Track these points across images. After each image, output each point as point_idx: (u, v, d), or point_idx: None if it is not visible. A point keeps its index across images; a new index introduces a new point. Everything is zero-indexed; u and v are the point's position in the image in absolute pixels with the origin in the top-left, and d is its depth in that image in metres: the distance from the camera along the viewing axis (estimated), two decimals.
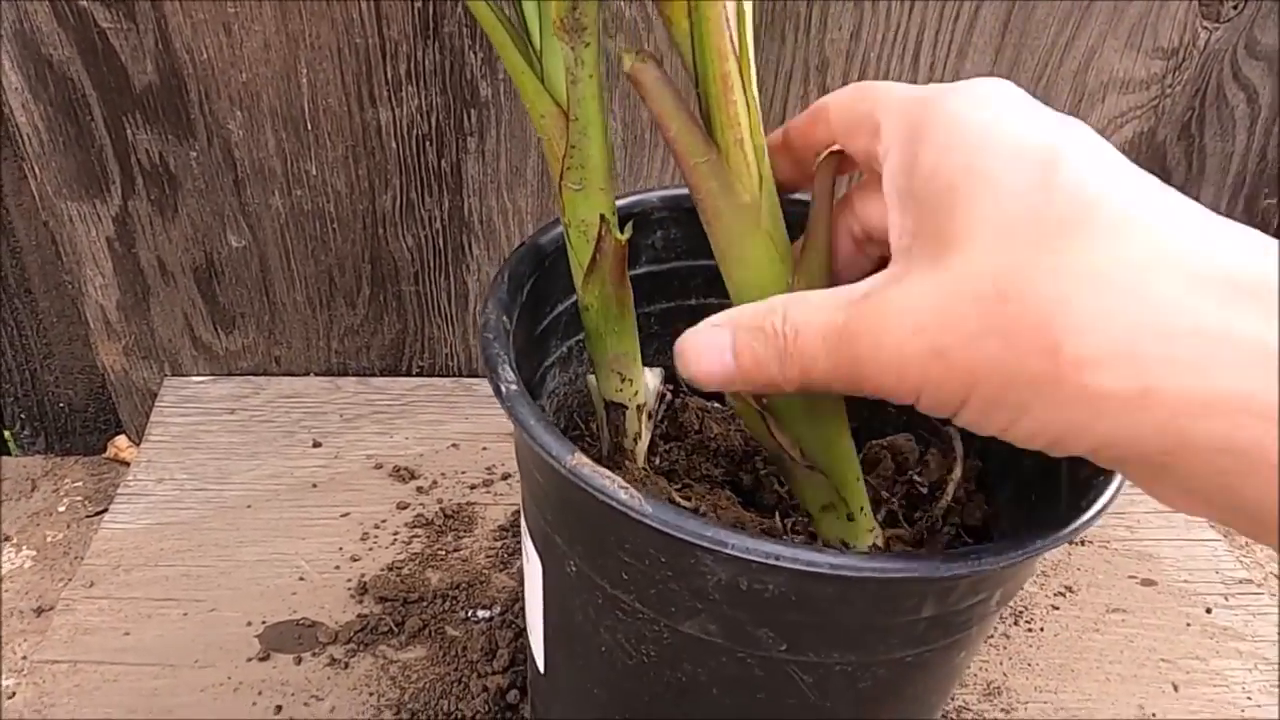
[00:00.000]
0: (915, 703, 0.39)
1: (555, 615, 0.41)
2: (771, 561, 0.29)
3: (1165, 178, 0.78)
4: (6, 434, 0.86)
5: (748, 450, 0.50)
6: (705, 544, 0.29)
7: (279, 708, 0.56)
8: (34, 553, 0.75)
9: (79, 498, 0.81)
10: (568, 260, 0.44)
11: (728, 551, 0.29)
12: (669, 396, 0.52)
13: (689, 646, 0.35)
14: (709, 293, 0.52)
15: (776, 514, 0.48)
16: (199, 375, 0.81)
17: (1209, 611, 0.67)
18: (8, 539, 0.76)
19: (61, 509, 0.80)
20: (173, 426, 0.76)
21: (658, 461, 0.49)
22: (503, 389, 0.34)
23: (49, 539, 0.77)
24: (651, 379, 0.48)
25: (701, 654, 0.35)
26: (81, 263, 0.73)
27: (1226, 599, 0.68)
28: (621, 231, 0.43)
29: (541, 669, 0.45)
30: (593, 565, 0.35)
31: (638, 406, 0.46)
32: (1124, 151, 0.75)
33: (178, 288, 0.75)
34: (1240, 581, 0.70)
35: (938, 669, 0.37)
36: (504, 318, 0.38)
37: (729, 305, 0.56)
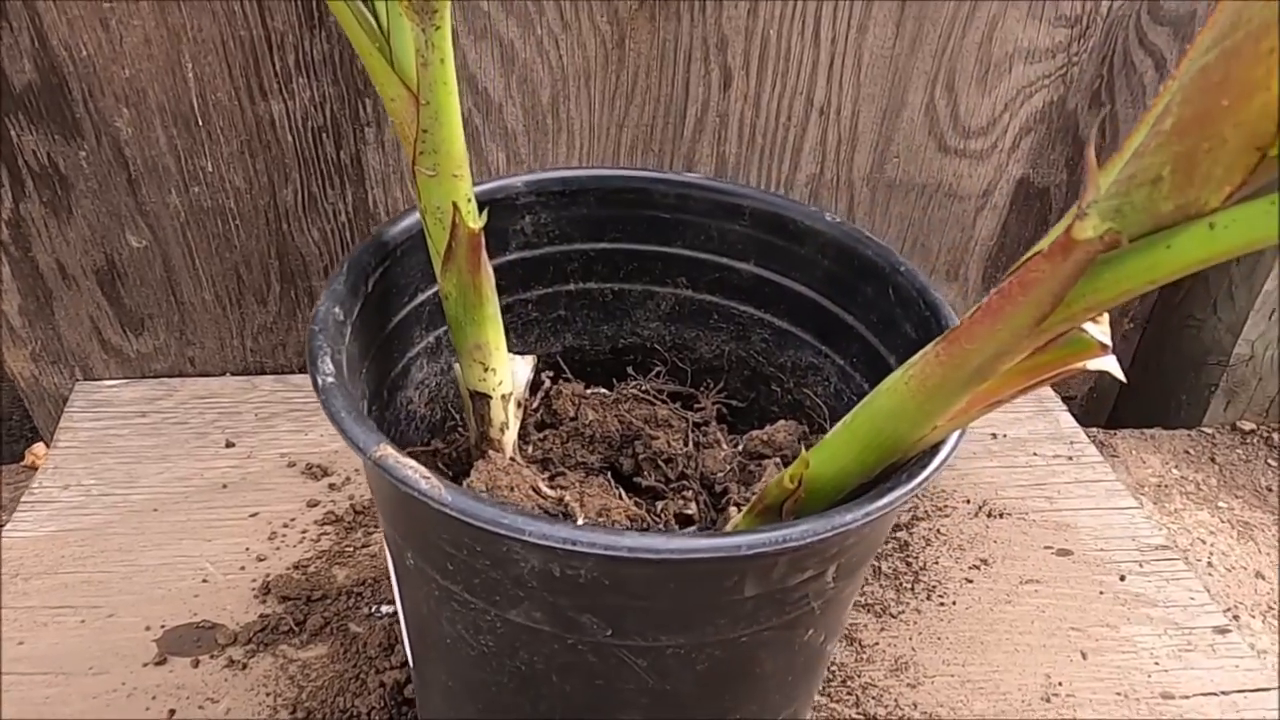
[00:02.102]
0: (770, 682, 0.38)
1: (409, 609, 0.40)
2: (569, 547, 0.28)
3: (1080, 147, 0.78)
4: None
5: (625, 435, 0.49)
6: (502, 531, 0.29)
7: (172, 711, 0.55)
8: None
9: None
10: (427, 248, 0.43)
11: (527, 539, 0.29)
12: (545, 383, 0.51)
13: (520, 635, 0.34)
14: (587, 277, 0.52)
15: (658, 498, 0.47)
16: (111, 379, 0.80)
17: (1123, 579, 0.67)
18: None
19: None
20: (82, 432, 0.75)
21: (530, 450, 0.48)
22: (319, 380, 0.34)
23: None
24: (522, 367, 0.47)
25: (533, 642, 0.34)
26: None
27: (1141, 566, 0.68)
28: (481, 217, 0.42)
29: (411, 662, 0.45)
30: (423, 557, 0.35)
31: (502, 396, 0.45)
32: (1036, 122, 0.75)
33: (80, 290, 0.74)
34: (1157, 548, 0.69)
35: (783, 648, 0.37)
36: (335, 310, 0.37)
37: (610, 289, 0.55)
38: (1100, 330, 0.28)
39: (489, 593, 0.33)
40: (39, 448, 0.84)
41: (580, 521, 0.41)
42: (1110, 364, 0.29)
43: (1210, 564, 0.76)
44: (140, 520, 0.67)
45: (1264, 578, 0.75)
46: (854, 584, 0.38)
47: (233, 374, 0.81)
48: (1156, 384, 0.98)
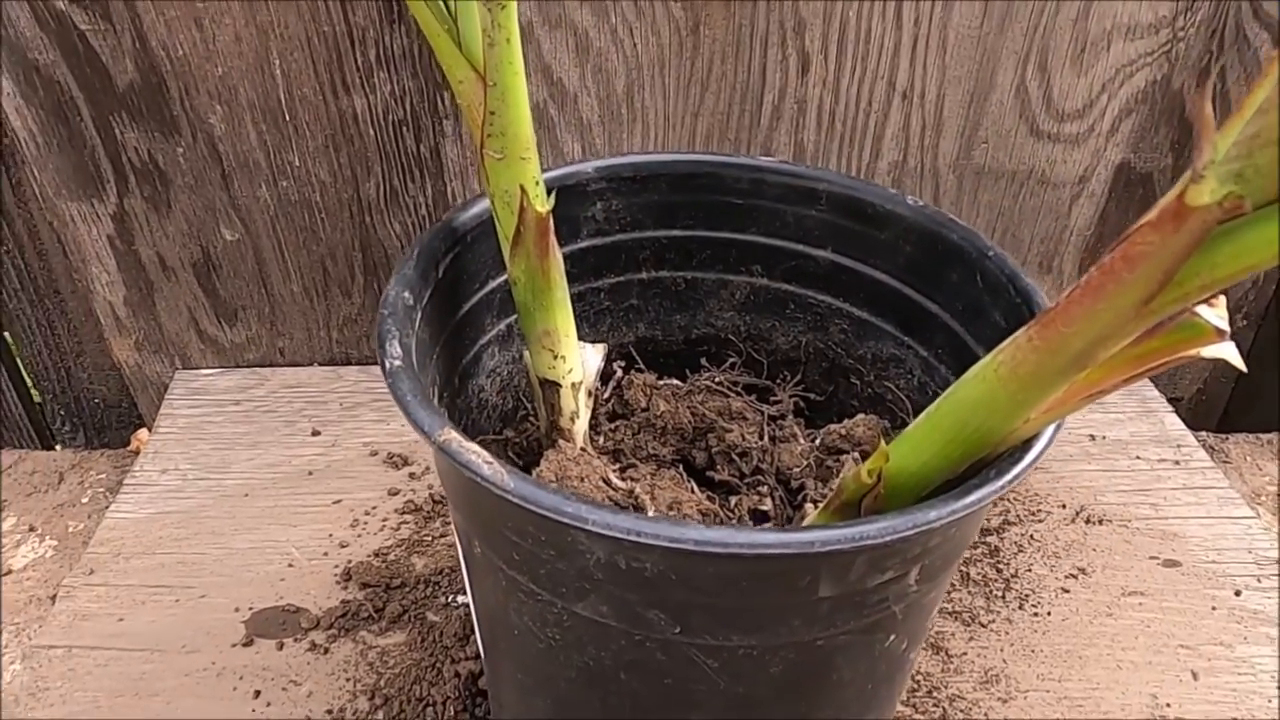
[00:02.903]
0: (849, 690, 0.36)
1: (478, 599, 0.40)
2: (633, 538, 0.27)
3: (1187, 129, 0.73)
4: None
5: (699, 428, 0.48)
6: (565, 519, 0.28)
7: (258, 692, 0.57)
8: (55, 543, 0.78)
9: (102, 489, 0.84)
10: (496, 234, 0.43)
11: (589, 528, 0.28)
12: (617, 373, 0.50)
13: (588, 629, 0.33)
14: (659, 265, 0.51)
15: (732, 493, 0.46)
16: (208, 368, 0.82)
17: (1238, 594, 0.62)
18: (32, 529, 0.79)
19: (85, 500, 0.83)
20: (180, 418, 0.78)
21: (601, 441, 0.47)
22: (387, 364, 0.33)
23: (70, 529, 0.79)
24: (592, 356, 0.46)
25: (601, 637, 0.33)
26: (87, 261, 0.75)
27: (1259, 580, 0.63)
28: (549, 200, 0.42)
29: (482, 653, 0.44)
30: (489, 545, 0.34)
31: (573, 384, 0.44)
32: (1137, 103, 0.71)
33: (179, 282, 0.77)
34: (1276, 561, 0.64)
35: (861, 654, 0.35)
36: (404, 294, 0.37)
37: (683, 277, 0.54)
38: (1216, 314, 0.26)
39: (555, 584, 0.32)
40: (142, 433, 0.88)
41: (651, 514, 0.40)
42: (1229, 351, 0.26)
43: None
44: (232, 505, 0.69)
45: None
46: (939, 588, 0.36)
47: (320, 364, 0.83)
48: (1274, 385, 0.91)
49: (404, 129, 0.70)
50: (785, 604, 0.31)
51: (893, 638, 0.35)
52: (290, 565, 0.65)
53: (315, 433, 0.76)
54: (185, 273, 0.76)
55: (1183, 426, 0.76)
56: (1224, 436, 0.87)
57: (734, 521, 0.44)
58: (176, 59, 0.66)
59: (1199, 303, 0.25)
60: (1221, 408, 0.95)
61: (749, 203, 0.50)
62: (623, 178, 0.47)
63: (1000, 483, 0.30)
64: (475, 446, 0.30)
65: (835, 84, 0.70)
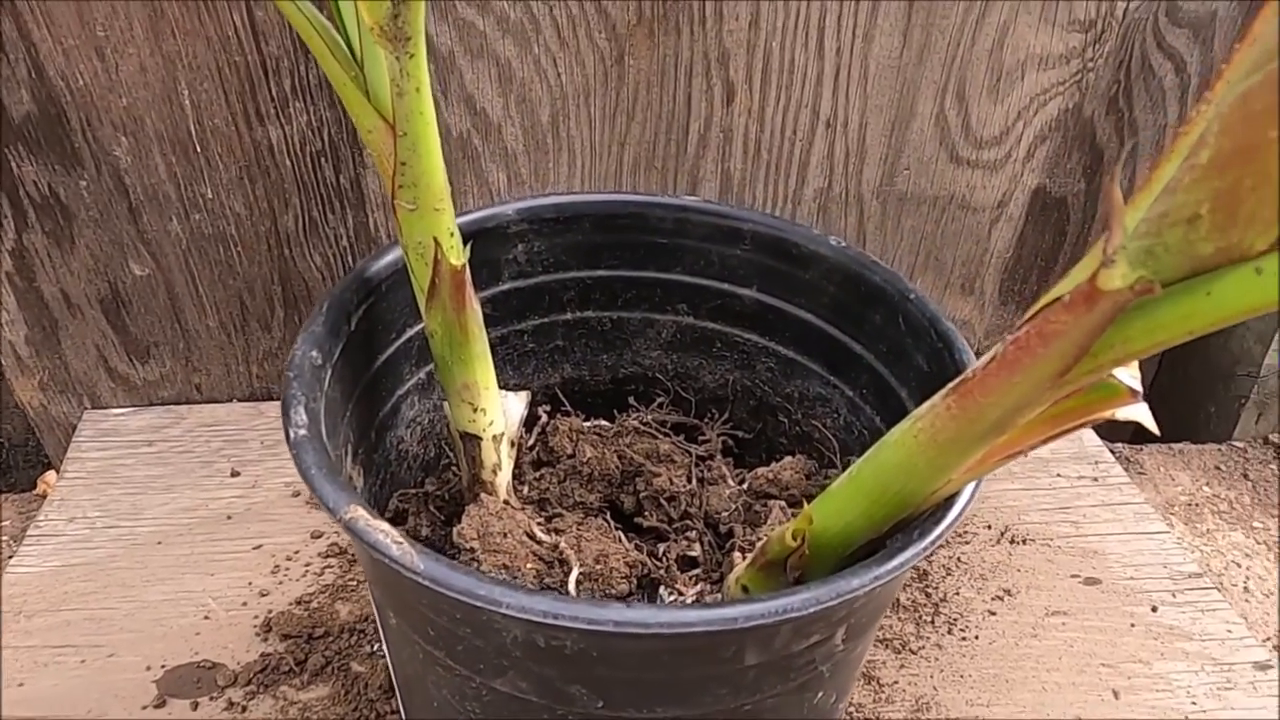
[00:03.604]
0: None
1: (396, 665, 0.39)
2: (550, 621, 0.26)
3: (1098, 155, 0.75)
4: None
5: (626, 471, 0.48)
6: (481, 604, 0.27)
7: None
8: None
9: (5, 537, 0.80)
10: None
11: (504, 611, 0.27)
12: (542, 418, 0.49)
13: (508, 704, 0.32)
14: (584, 305, 0.50)
15: (660, 540, 0.45)
16: (119, 407, 0.79)
17: (1155, 610, 0.64)
18: None
19: None
20: (89, 462, 0.74)
21: (526, 490, 0.46)
22: (292, 434, 0.32)
23: None
24: (515, 404, 0.45)
25: (521, 712, 0.32)
26: None
27: (1174, 595, 0.65)
28: (466, 249, 0.41)
29: (404, 717, 0.43)
30: (406, 620, 0.33)
31: (494, 437, 0.43)
32: (1051, 130, 0.72)
33: (86, 319, 0.74)
34: (1189, 576, 0.66)
35: (790, 712, 0.34)
36: (312, 353, 0.36)
37: (609, 317, 0.53)
38: (1130, 374, 0.26)
39: (472, 661, 0.31)
40: (50, 475, 0.84)
41: (575, 571, 0.39)
42: (1142, 413, 0.26)
43: (1247, 589, 0.73)
44: (144, 554, 0.66)
45: None
46: (865, 642, 0.36)
47: (239, 400, 0.80)
48: (1183, 397, 0.95)
49: (322, 160, 0.68)
50: (710, 675, 0.30)
51: (820, 694, 0.35)
52: (206, 617, 0.62)
53: (235, 473, 0.73)
54: (92, 309, 0.73)
55: (1100, 442, 0.78)
56: (1138, 448, 0.90)
57: (662, 570, 0.43)
58: (77, 89, 0.63)
59: (1114, 369, 0.25)
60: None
61: (674, 242, 0.50)
62: (544, 219, 0.47)
63: (923, 544, 0.30)
64: (383, 525, 0.29)
65: (760, 113, 0.70)
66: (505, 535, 0.40)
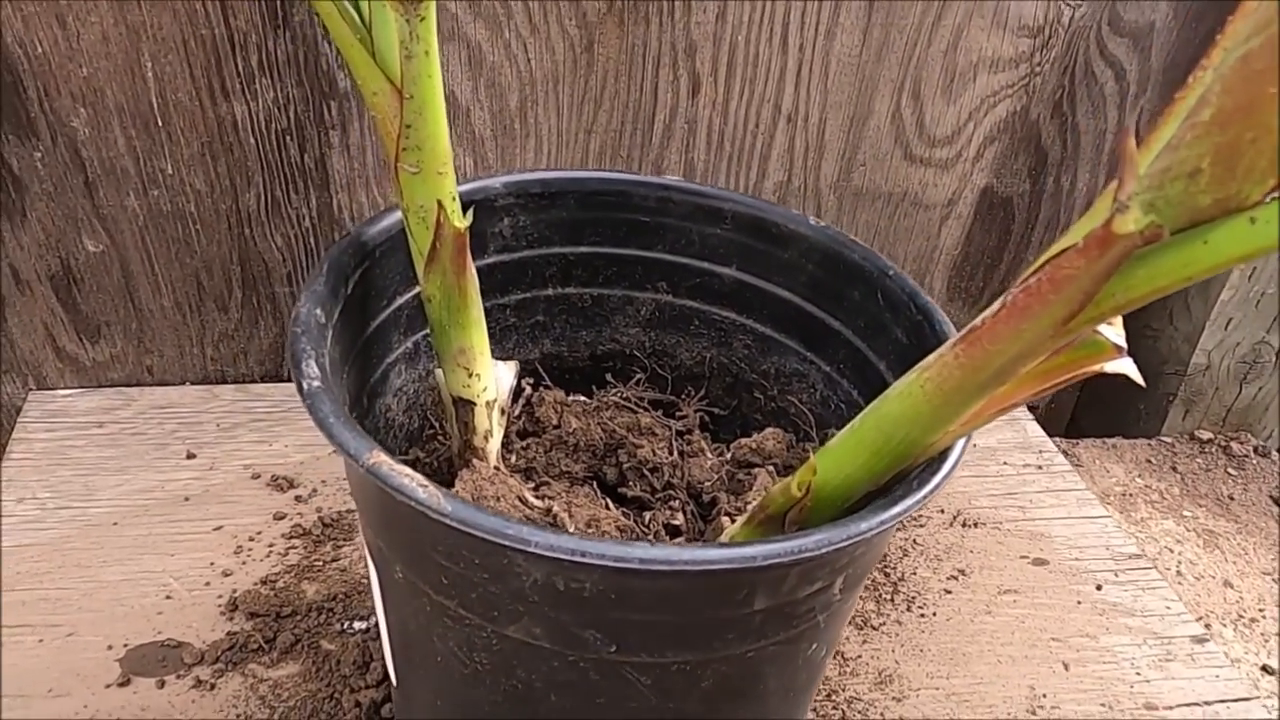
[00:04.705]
0: (772, 699, 0.37)
1: (394, 625, 0.39)
2: (578, 559, 0.27)
3: (1042, 157, 0.79)
4: None
5: (609, 444, 0.48)
6: (509, 543, 0.28)
7: None
8: None
9: None
10: (407, 249, 0.42)
11: (532, 550, 0.27)
12: (527, 391, 0.50)
13: (518, 652, 0.33)
14: (566, 281, 0.51)
15: (644, 509, 0.46)
16: (66, 388, 0.76)
17: (1099, 589, 0.67)
18: None
19: None
20: (36, 443, 0.72)
21: (514, 459, 0.47)
22: (304, 385, 0.32)
23: None
24: (505, 373, 0.46)
25: (532, 659, 0.33)
26: None
27: (1116, 575, 0.69)
28: (466, 216, 0.41)
29: (394, 681, 0.43)
30: (414, 570, 0.33)
31: (487, 403, 0.44)
32: (999, 131, 0.76)
33: (35, 297, 0.71)
34: (1130, 557, 0.70)
35: (787, 663, 0.36)
36: (317, 311, 0.36)
37: (589, 294, 0.54)
38: (1115, 332, 0.28)
39: (486, 608, 0.32)
40: None
41: (572, 531, 0.39)
42: (1127, 366, 0.28)
43: (1179, 573, 0.78)
44: (100, 534, 0.64)
45: (1232, 586, 0.77)
46: (855, 596, 0.37)
47: (193, 383, 0.78)
48: (1116, 394, 1.00)
49: (287, 138, 0.67)
50: (721, 619, 0.31)
51: (814, 645, 0.36)
52: (168, 597, 0.61)
53: (190, 455, 0.72)
54: (42, 286, 0.71)
55: (1043, 434, 0.82)
56: (1074, 441, 0.94)
57: (650, 537, 0.44)
58: (35, 57, 0.61)
59: (1108, 321, 0.27)
60: (1069, 415, 1.03)
61: (656, 221, 0.51)
62: (531, 194, 0.47)
63: (923, 492, 0.31)
64: (407, 469, 0.29)
65: (724, 105, 0.72)
66: (499, 499, 0.41)
